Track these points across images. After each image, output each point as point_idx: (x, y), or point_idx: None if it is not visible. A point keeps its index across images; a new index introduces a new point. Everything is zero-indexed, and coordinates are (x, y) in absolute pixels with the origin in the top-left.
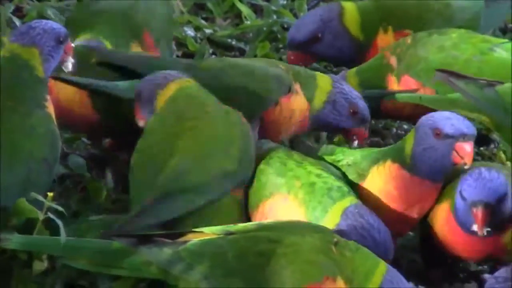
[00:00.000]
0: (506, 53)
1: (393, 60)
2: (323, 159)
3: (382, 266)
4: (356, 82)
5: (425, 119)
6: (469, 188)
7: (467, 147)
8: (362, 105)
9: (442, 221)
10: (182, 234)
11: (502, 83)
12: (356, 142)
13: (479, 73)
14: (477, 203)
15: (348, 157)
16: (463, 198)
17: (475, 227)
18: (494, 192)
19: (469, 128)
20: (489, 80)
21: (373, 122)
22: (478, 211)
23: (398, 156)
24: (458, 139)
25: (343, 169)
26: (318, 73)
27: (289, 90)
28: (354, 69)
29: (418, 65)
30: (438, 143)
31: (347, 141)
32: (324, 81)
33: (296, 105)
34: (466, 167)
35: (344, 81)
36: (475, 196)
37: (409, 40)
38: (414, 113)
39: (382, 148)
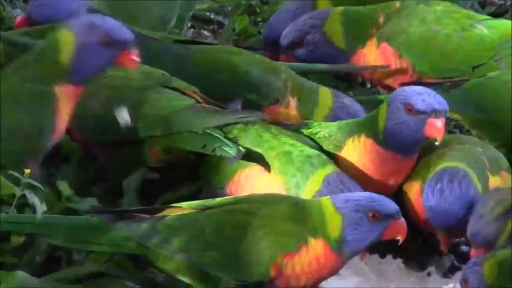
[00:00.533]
0: (487, 30)
1: (381, 18)
2: (301, 133)
3: (325, 198)
4: (339, 21)
5: (397, 93)
6: (430, 212)
7: (439, 123)
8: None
9: (413, 200)
10: (160, 210)
11: (467, 80)
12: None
13: (458, 49)
14: (438, 227)
15: (324, 129)
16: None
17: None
18: (455, 217)
19: (440, 104)
20: (454, 80)
21: (350, 93)
22: (441, 236)
23: (371, 130)
24: (430, 115)
25: (320, 141)
26: (320, 87)
27: (277, 101)
28: (341, 8)
29: (399, 37)
30: (410, 119)
31: None
32: (325, 96)
33: (282, 117)
34: (437, 143)
35: (343, 94)
36: (437, 220)
37: (398, 4)
38: (381, 78)
39: (357, 120)
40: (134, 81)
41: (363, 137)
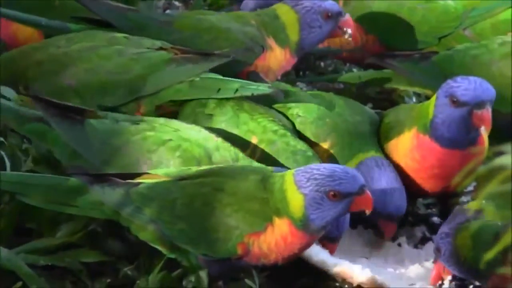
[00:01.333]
0: (451, 0)
1: (340, 3)
2: (273, 108)
3: (289, 174)
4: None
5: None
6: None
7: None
8: (329, 4)
9: (410, 147)
10: (136, 175)
11: (436, 53)
12: (348, 32)
13: (423, 21)
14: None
15: (300, 107)
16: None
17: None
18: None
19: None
20: (424, 52)
21: (322, 64)
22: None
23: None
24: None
25: (292, 119)
26: (277, 8)
27: (263, 49)
28: None
29: (363, 13)
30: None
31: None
32: (286, 14)
33: (272, 62)
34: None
35: None
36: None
37: None
38: (352, 55)
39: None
40: (102, 48)
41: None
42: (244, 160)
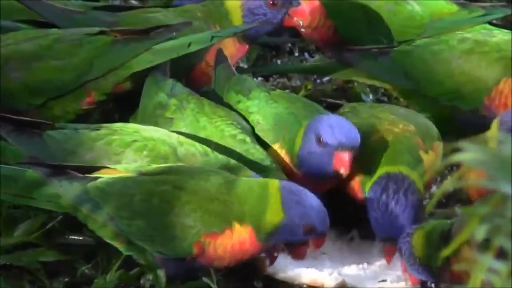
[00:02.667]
0: (419, 7)
1: None
2: (234, 109)
3: (274, 181)
4: None
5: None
6: (376, 223)
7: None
8: None
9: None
10: (95, 169)
11: (395, 46)
12: (300, 23)
13: (388, 22)
14: (384, 238)
15: (260, 114)
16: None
17: None
18: (401, 229)
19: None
20: (381, 47)
21: (278, 62)
22: (385, 247)
23: (290, 149)
24: (337, 149)
25: (253, 124)
26: None
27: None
28: None
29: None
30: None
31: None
32: (231, 0)
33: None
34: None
35: None
36: (383, 231)
37: None
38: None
39: (283, 123)
40: (39, 39)
41: (284, 150)
42: (214, 155)
